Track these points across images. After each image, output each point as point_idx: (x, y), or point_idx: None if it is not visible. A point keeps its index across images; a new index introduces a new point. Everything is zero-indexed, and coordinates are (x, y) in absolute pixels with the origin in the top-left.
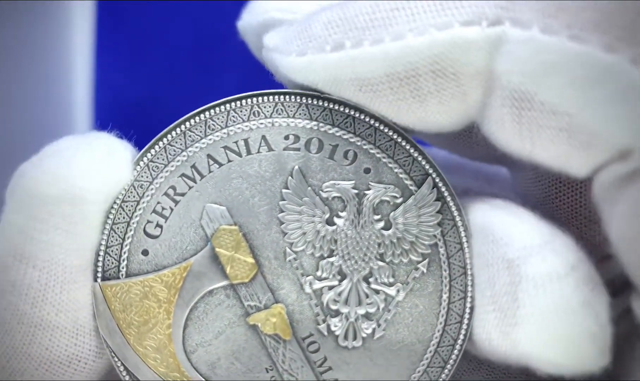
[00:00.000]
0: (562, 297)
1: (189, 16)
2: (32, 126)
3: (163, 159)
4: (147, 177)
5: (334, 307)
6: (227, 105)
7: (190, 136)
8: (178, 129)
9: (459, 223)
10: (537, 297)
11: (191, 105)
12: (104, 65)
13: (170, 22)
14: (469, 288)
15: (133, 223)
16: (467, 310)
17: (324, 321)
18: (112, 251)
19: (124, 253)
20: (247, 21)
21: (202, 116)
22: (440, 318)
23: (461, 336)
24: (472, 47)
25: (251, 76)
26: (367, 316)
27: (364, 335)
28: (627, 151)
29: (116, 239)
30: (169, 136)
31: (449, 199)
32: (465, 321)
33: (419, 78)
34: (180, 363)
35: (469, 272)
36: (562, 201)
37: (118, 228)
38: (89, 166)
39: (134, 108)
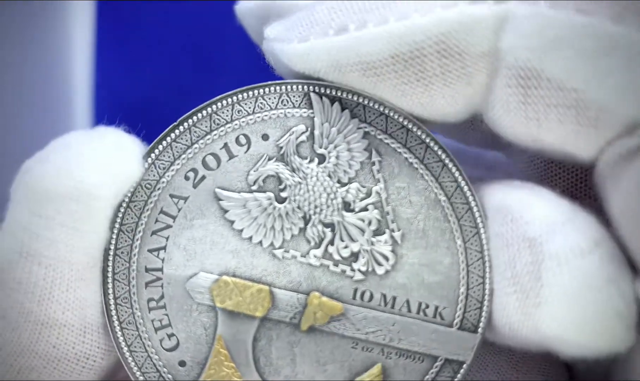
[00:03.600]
0: (587, 274)
1: (189, 16)
2: (32, 126)
3: (124, 287)
4: (127, 309)
5: (347, 253)
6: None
7: (118, 259)
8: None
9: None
10: (562, 275)
11: (191, 105)
12: (104, 65)
13: (171, 22)
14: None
15: (156, 360)
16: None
17: (352, 270)
18: None
19: (169, 380)
20: (246, 4)
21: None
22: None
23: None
24: (478, 25)
25: (251, 75)
26: (377, 233)
27: (390, 248)
28: (636, 124)
29: (153, 378)
30: (114, 279)
31: (339, 94)
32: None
33: (424, 58)
34: None
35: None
36: (557, 184)
37: (147, 369)
38: (97, 161)
39: (134, 108)
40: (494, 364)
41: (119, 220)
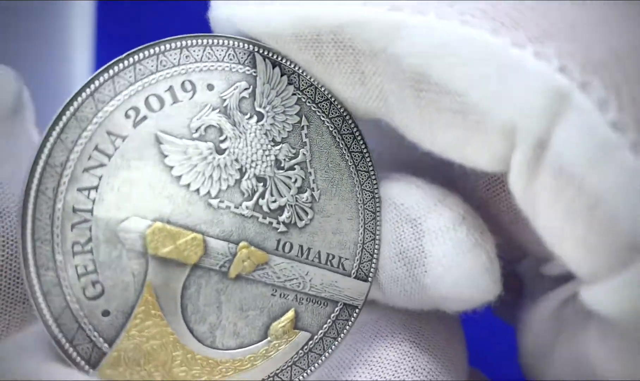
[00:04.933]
0: (459, 242)
1: (189, 16)
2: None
3: (45, 228)
4: (46, 252)
5: (275, 206)
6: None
7: (42, 197)
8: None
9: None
10: (440, 245)
11: None
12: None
13: (171, 23)
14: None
15: (76, 310)
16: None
17: (278, 223)
18: (78, 340)
19: (89, 331)
20: None
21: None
22: (338, 138)
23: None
24: (370, 26)
25: None
26: (300, 190)
27: (310, 205)
28: (511, 128)
29: (71, 330)
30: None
31: (279, 59)
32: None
33: (322, 45)
34: (216, 359)
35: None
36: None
37: (64, 320)
38: None
39: None
40: (399, 318)
41: (44, 155)
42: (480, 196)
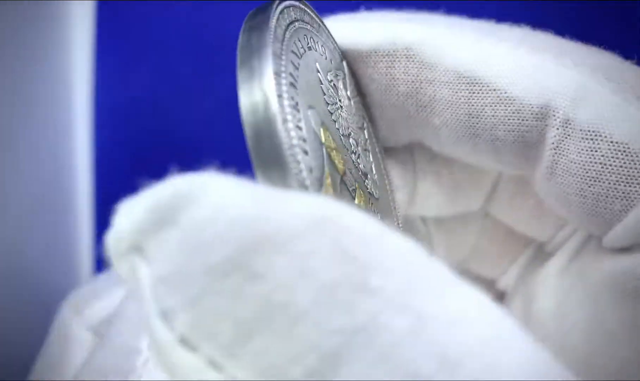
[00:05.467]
0: None
1: (189, 17)
2: (32, 126)
3: (277, 63)
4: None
5: (364, 170)
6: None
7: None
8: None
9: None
10: None
11: (191, 106)
12: (104, 66)
13: (171, 24)
14: None
15: (300, 154)
16: None
17: (366, 184)
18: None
19: (305, 172)
20: None
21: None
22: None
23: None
24: (435, 42)
25: None
26: (371, 171)
27: (376, 185)
28: (546, 111)
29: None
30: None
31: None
32: None
33: (395, 57)
34: None
35: None
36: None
37: (294, 152)
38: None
39: (134, 109)
40: None
41: (277, 14)
42: (501, 202)
